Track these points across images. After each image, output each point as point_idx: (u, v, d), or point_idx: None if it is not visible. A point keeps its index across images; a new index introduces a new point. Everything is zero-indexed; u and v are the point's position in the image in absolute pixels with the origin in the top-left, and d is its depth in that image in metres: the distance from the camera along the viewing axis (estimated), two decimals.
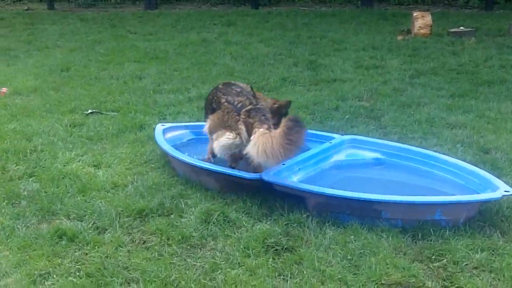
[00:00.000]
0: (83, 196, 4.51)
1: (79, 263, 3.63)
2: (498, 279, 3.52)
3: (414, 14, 11.84)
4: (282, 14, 15.00)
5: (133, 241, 3.91)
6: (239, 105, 4.48)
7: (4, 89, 7.68)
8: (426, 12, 11.93)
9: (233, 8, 16.15)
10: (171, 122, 6.04)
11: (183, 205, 4.35)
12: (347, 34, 12.32)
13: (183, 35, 12.20)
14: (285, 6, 16.63)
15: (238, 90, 4.64)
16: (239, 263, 3.62)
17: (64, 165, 5.10)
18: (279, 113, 4.92)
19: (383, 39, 11.60)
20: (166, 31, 12.73)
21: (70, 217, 4.21)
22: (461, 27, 12.32)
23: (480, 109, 6.99)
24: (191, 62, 9.66)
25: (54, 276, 3.50)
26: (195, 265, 3.62)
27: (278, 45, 11.15)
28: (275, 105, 5.02)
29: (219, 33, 12.35)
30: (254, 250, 3.73)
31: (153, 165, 5.16)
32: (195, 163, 4.72)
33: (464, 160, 5.05)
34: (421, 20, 11.82)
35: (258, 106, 4.52)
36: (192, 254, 3.75)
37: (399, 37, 11.73)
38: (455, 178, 4.67)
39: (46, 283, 3.46)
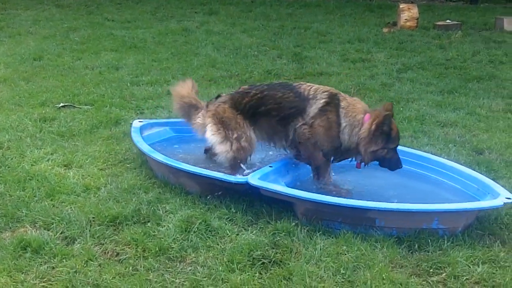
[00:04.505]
0: (51, 200, 4.13)
1: (44, 280, 3.26)
2: None
3: (401, 6, 11.60)
4: (266, 3, 14.65)
5: (105, 253, 3.55)
6: None
7: None
8: (412, 4, 11.69)
9: None
10: (149, 118, 5.68)
11: (161, 212, 4.00)
12: (332, 25, 12.03)
13: (163, 24, 11.78)
14: None
15: None
16: (222, 279, 3.29)
17: (31, 165, 4.71)
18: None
19: (368, 31, 11.34)
20: (145, 19, 12.29)
21: (36, 224, 3.83)
22: (448, 20, 12.13)
23: (470, 106, 6.78)
24: (171, 52, 9.28)
25: None
26: (174, 281, 3.28)
27: (262, 36, 10.82)
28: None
29: (201, 22, 11.96)
30: (239, 264, 3.40)
31: (128, 165, 4.80)
32: (174, 164, 4.37)
33: (458, 162, 4.83)
34: (408, 13, 11.59)
35: None
36: (170, 269, 3.40)
37: (385, 30, 11.48)
38: (452, 182, 4.43)
39: None
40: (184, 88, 4.73)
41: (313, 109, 4.27)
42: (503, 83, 7.88)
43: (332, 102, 4.27)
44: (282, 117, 4.33)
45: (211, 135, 4.41)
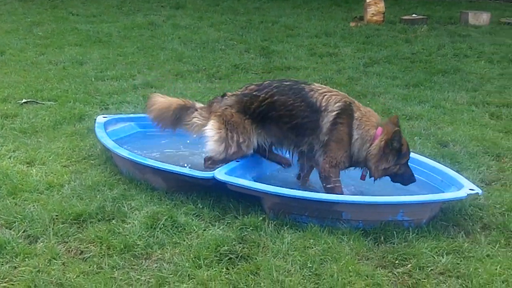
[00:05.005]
0: (13, 198, 4.02)
1: (6, 280, 3.17)
2: (466, 286, 3.31)
3: (367, 1, 11.69)
4: None
5: (69, 251, 3.48)
6: None
7: None
8: None
9: None
10: (114, 114, 5.58)
11: (126, 208, 3.94)
12: (300, 19, 12.06)
13: (129, 18, 11.62)
14: None
15: None
16: (189, 275, 3.26)
17: None
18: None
19: (336, 26, 11.41)
20: (111, 13, 12.11)
21: None
22: (414, 14, 12.29)
23: (435, 99, 6.89)
24: (137, 46, 9.17)
25: None
26: (139, 279, 3.23)
27: (229, 30, 10.77)
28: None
29: (167, 16, 11.84)
30: (206, 260, 3.38)
31: (93, 162, 4.71)
32: (139, 160, 4.31)
33: (423, 154, 4.89)
34: (374, 7, 11.70)
35: None
36: (136, 266, 3.35)
37: (352, 24, 11.56)
38: (416, 174, 4.45)
39: None
40: (163, 100, 4.52)
41: (325, 123, 4.13)
42: (468, 76, 8.03)
43: (345, 114, 4.13)
44: (294, 124, 4.19)
45: (209, 130, 4.28)
